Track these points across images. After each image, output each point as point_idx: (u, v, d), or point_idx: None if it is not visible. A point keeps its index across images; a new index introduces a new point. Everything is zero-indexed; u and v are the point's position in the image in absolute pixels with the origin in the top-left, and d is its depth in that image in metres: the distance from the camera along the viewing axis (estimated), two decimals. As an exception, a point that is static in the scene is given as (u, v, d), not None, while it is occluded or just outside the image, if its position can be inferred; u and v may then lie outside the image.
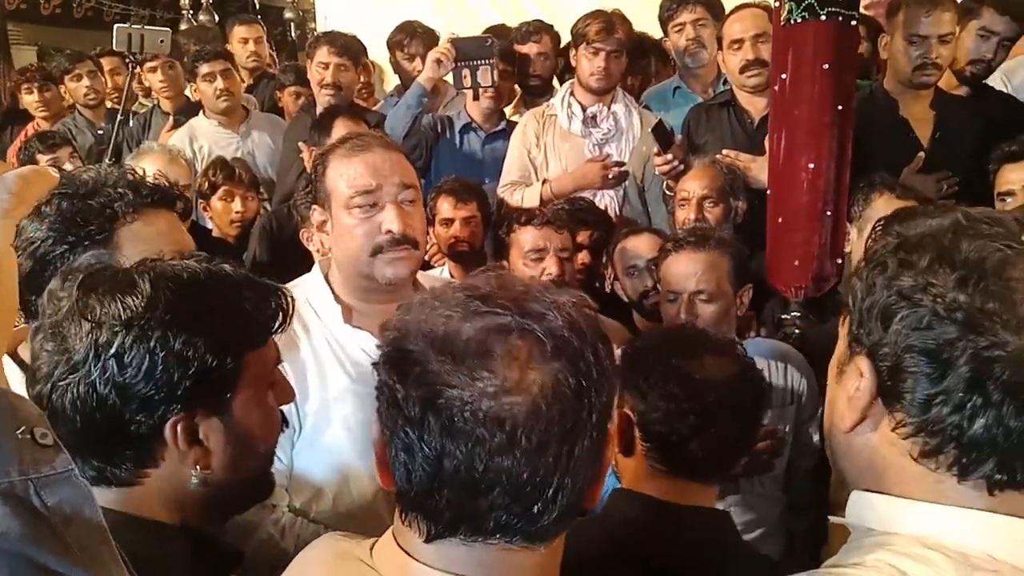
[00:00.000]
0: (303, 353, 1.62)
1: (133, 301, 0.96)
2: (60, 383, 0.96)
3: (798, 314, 2.41)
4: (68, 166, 3.46)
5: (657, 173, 3.01)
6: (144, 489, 1.01)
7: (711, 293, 2.07)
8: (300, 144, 3.37)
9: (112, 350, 0.95)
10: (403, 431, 0.81)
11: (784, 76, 2.35)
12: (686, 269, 2.10)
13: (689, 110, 3.24)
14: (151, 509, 1.02)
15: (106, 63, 4.98)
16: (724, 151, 2.91)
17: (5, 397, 0.67)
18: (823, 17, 2.25)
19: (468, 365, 0.79)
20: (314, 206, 1.69)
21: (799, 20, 2.28)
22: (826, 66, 2.27)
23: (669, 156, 2.85)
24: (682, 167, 2.84)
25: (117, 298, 0.97)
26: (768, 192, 2.49)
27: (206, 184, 3.24)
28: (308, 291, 1.67)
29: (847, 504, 0.85)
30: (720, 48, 3.11)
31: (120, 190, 1.34)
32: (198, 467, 1.01)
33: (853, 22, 2.33)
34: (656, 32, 3.80)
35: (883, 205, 2.38)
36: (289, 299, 1.10)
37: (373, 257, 1.60)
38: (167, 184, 1.45)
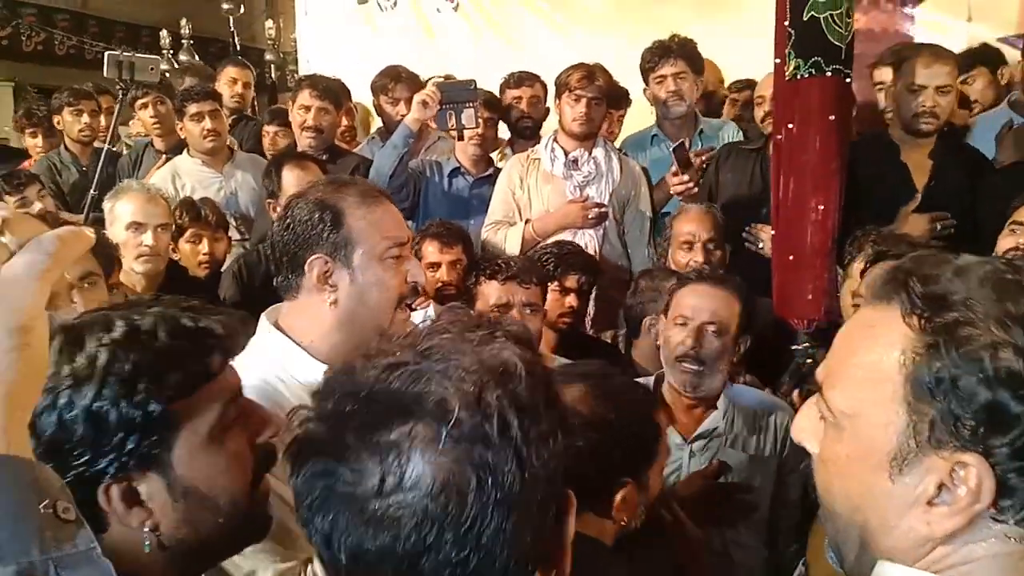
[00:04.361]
0: None
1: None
2: None
3: (808, 344, 2.55)
4: (37, 204, 3.43)
5: (672, 192, 3.15)
6: None
7: (720, 327, 2.12)
8: (266, 203, 3.38)
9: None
10: (306, 527, 0.78)
11: (791, 126, 2.54)
12: (702, 302, 2.14)
13: (722, 147, 3.38)
14: None
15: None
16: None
17: (29, 468, 0.65)
18: (828, 73, 2.46)
19: (355, 459, 0.73)
20: (316, 256, 1.52)
21: (806, 75, 2.47)
22: (832, 117, 2.47)
23: (686, 177, 2.97)
24: (696, 189, 2.96)
25: None
26: (774, 232, 2.67)
27: (172, 226, 3.18)
28: (283, 364, 1.48)
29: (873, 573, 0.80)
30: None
31: None
32: (147, 529, 0.95)
33: (848, 80, 2.54)
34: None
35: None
36: (226, 332, 1.02)
37: (396, 309, 1.55)
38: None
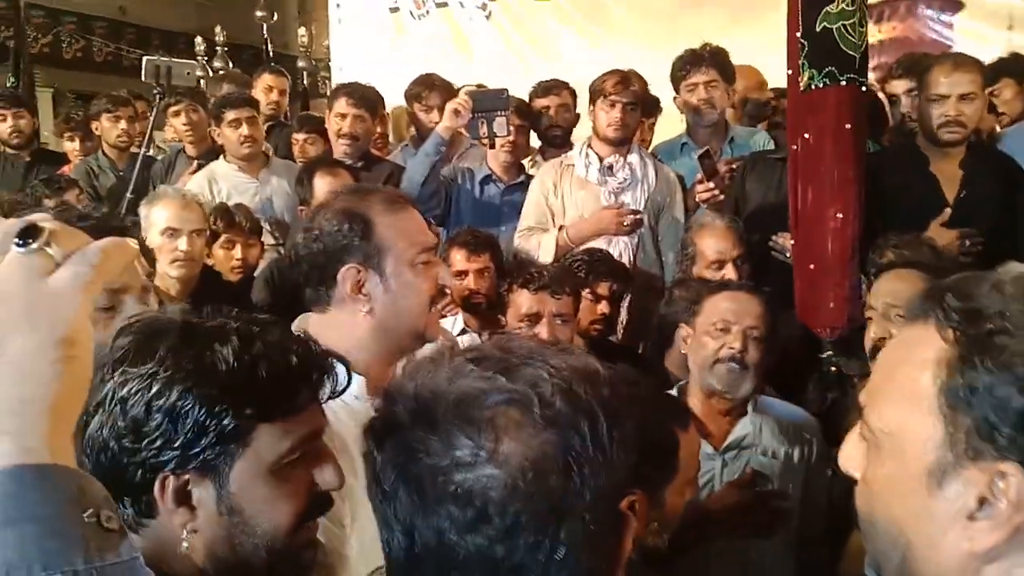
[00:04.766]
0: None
1: (154, 351, 0.98)
2: (86, 419, 0.97)
3: (832, 353, 2.55)
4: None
5: (697, 199, 3.14)
6: (139, 540, 0.97)
7: (763, 334, 2.12)
8: (299, 210, 3.40)
9: (118, 396, 0.97)
10: (379, 504, 0.77)
11: (807, 136, 2.54)
12: (744, 307, 2.14)
13: (748, 156, 3.37)
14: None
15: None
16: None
17: (73, 478, 0.66)
18: (843, 82, 2.47)
19: (445, 431, 0.73)
20: (348, 266, 1.51)
21: (820, 86, 2.49)
22: (848, 126, 2.48)
23: (711, 184, 2.98)
24: (722, 197, 2.97)
25: (144, 347, 0.99)
26: (793, 242, 2.68)
27: (207, 231, 3.21)
28: None
29: None
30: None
31: None
32: (186, 531, 0.98)
33: (864, 88, 2.56)
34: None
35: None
36: (335, 375, 1.07)
37: (430, 311, 1.56)
38: (100, 217, 1.43)
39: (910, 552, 0.78)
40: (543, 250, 3.16)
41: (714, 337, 2.13)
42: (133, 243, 0.78)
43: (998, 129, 3.68)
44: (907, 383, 0.78)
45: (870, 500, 0.83)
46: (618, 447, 0.76)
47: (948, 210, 2.85)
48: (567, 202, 3.29)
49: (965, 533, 0.73)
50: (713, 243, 2.81)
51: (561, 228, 3.23)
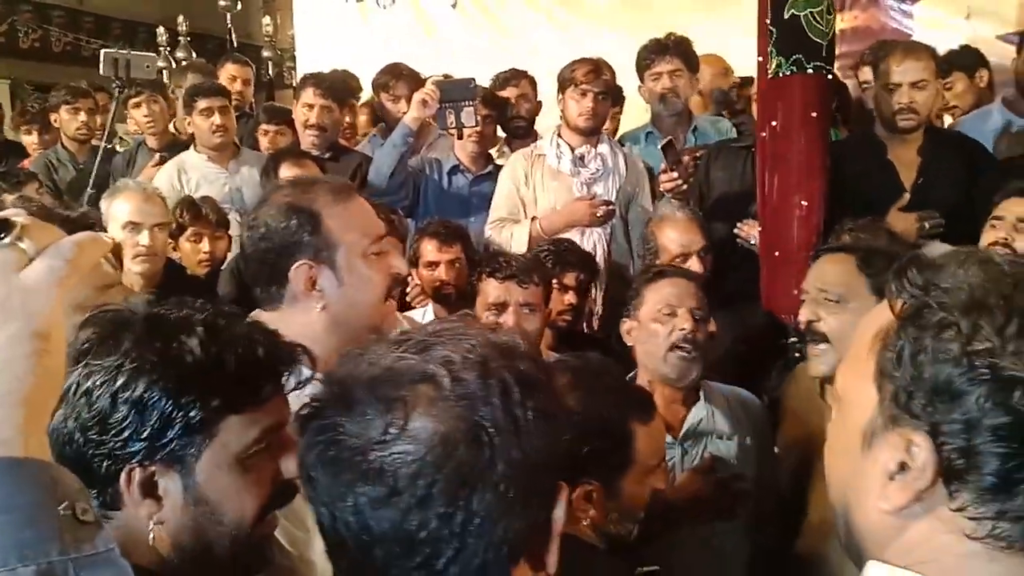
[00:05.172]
0: None
1: (119, 343, 0.98)
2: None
3: (795, 339, 2.51)
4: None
5: (661, 188, 3.15)
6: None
7: (703, 316, 2.14)
8: None
9: (82, 388, 0.97)
10: (307, 486, 0.80)
11: (774, 123, 2.59)
12: (684, 290, 2.16)
13: (712, 145, 3.40)
14: None
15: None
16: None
17: (47, 470, 0.66)
18: (810, 70, 2.51)
19: (360, 412, 0.76)
20: (299, 263, 1.48)
21: (788, 73, 2.53)
22: (814, 114, 2.53)
23: (675, 174, 2.99)
24: (685, 186, 2.99)
25: (109, 339, 0.99)
26: (760, 228, 2.72)
27: (173, 224, 3.16)
28: None
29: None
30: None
31: None
32: (152, 522, 0.99)
33: (830, 76, 2.61)
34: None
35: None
36: (302, 369, 1.08)
37: (385, 302, 1.55)
38: (77, 216, 1.43)
39: (849, 512, 0.81)
40: (516, 242, 3.15)
41: (663, 323, 2.12)
42: (107, 238, 0.79)
43: (949, 120, 3.73)
44: (857, 351, 0.81)
45: (828, 462, 0.87)
46: (536, 418, 0.76)
47: (906, 195, 2.89)
48: (539, 193, 3.28)
49: (883, 492, 0.76)
50: (676, 236, 2.80)
51: (534, 219, 3.22)
